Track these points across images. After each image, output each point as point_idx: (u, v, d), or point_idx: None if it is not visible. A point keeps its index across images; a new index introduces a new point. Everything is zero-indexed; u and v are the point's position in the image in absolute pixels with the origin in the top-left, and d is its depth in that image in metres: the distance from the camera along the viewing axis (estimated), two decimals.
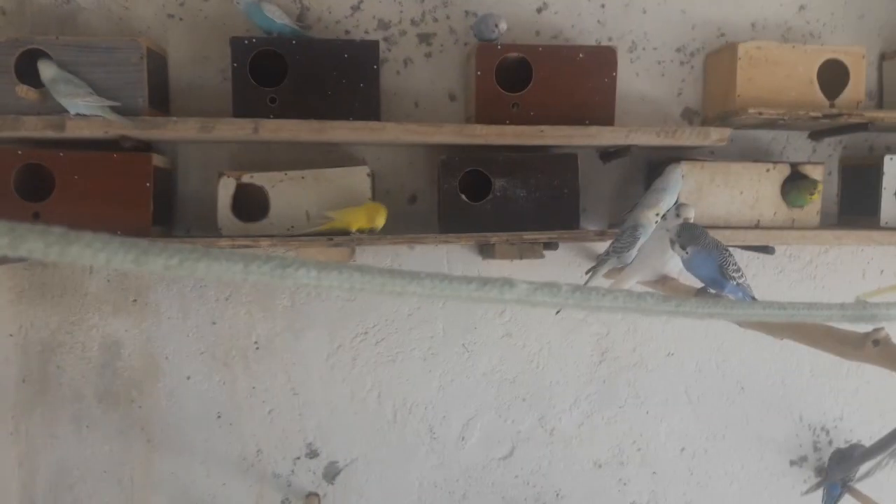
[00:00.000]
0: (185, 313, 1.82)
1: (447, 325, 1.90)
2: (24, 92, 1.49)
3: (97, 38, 1.58)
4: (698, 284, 1.39)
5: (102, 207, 1.57)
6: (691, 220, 1.41)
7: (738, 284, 1.31)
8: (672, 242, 1.32)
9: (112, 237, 0.43)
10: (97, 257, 0.42)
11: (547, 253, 1.76)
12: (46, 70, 1.48)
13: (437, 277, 0.55)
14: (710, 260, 1.29)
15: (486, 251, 1.82)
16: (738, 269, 1.32)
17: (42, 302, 1.78)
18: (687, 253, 1.30)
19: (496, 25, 1.64)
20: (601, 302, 0.62)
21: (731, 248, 1.35)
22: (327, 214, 1.64)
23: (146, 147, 1.66)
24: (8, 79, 1.51)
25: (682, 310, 0.67)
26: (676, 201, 1.68)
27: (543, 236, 1.68)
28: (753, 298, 1.35)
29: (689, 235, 1.30)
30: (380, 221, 1.64)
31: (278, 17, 1.62)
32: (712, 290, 1.34)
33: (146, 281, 1.80)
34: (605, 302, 0.62)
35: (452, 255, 1.88)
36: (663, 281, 1.49)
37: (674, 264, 1.45)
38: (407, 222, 1.82)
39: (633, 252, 1.54)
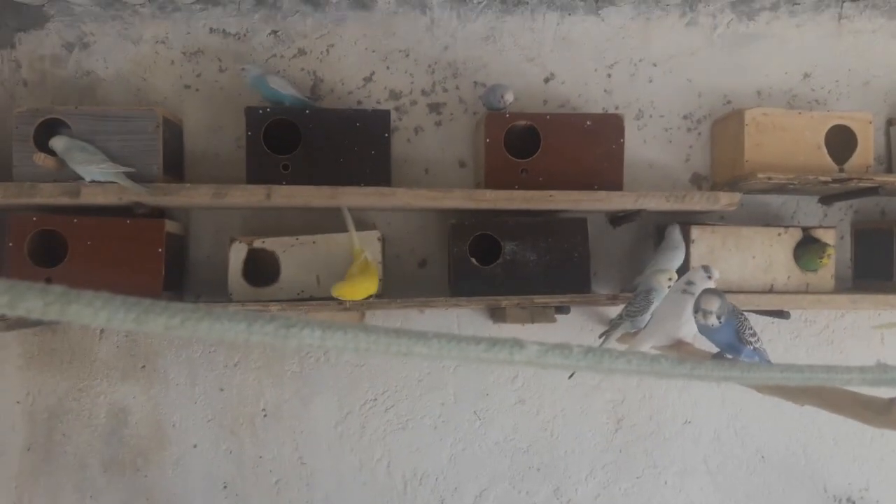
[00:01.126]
0: (193, 379, 1.80)
1: (458, 391, 1.87)
2: (42, 160, 1.52)
3: (114, 108, 1.62)
4: (713, 349, 1.36)
5: (114, 272, 1.58)
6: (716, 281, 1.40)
7: (754, 349, 1.28)
8: (706, 313, 1.27)
9: (113, 296, 0.42)
10: (98, 316, 0.41)
11: (558, 317, 1.75)
12: (58, 143, 1.51)
13: (445, 338, 0.54)
14: (728, 325, 1.27)
15: (496, 315, 1.81)
16: (755, 334, 1.29)
17: (51, 368, 1.77)
18: (720, 322, 1.26)
19: (502, 96, 1.68)
20: (614, 364, 0.60)
21: (745, 313, 1.33)
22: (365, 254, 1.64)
23: (160, 213, 1.68)
24: (27, 147, 1.55)
25: (698, 373, 0.66)
26: (685, 261, 1.68)
27: (555, 300, 1.67)
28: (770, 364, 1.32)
29: (724, 304, 1.26)
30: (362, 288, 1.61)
31: (283, 88, 1.66)
32: (729, 356, 1.31)
33: (155, 346, 1.79)
34: (619, 364, 0.61)
35: (463, 319, 1.87)
36: (678, 346, 1.46)
37: (688, 329, 1.42)
38: (417, 286, 1.81)
39: (647, 316, 1.53)
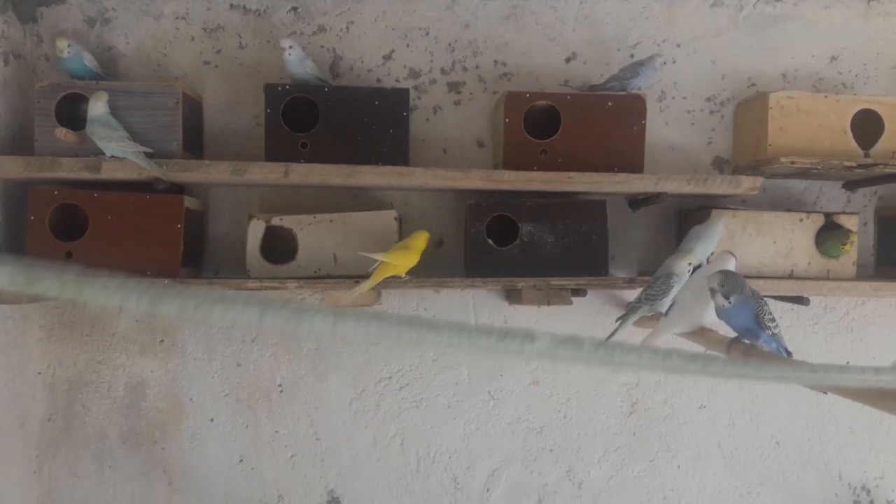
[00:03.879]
0: (210, 354, 1.82)
1: (472, 371, 1.88)
2: (64, 135, 1.53)
3: (135, 83, 1.62)
4: (733, 334, 1.35)
5: (134, 247, 1.59)
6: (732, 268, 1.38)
7: (772, 335, 1.27)
8: (713, 291, 1.26)
9: (127, 280, 0.42)
10: (112, 298, 0.42)
11: (575, 300, 1.74)
12: (97, 106, 1.51)
13: (456, 328, 0.53)
14: (747, 309, 1.26)
15: (512, 296, 1.81)
16: (773, 319, 1.28)
17: (71, 340, 1.79)
18: (730, 302, 1.25)
19: (659, 61, 1.68)
20: (625, 358, 0.60)
21: (765, 298, 1.32)
22: (374, 257, 1.56)
23: (179, 189, 1.68)
24: (48, 122, 1.56)
25: (710, 370, 0.65)
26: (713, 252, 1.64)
27: (571, 282, 1.66)
28: (787, 350, 1.31)
29: (733, 284, 1.25)
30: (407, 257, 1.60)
31: (95, 67, 1.63)
32: (746, 340, 1.30)
33: (173, 321, 1.81)
34: (630, 359, 0.60)
35: (479, 300, 1.87)
36: (701, 332, 1.45)
37: (713, 316, 1.40)
38: (434, 266, 1.81)
39: (667, 301, 1.51)
